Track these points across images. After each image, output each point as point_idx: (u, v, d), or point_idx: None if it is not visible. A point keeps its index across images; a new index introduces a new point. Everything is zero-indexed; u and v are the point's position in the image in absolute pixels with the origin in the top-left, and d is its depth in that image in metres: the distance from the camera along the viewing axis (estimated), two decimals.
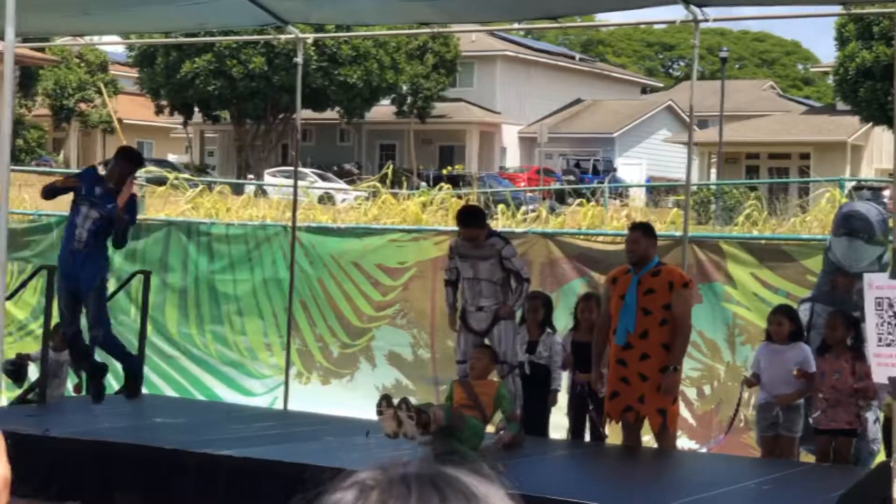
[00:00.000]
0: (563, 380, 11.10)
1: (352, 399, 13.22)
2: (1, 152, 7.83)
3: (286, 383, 12.75)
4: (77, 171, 14.62)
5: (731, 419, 10.72)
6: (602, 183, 30.88)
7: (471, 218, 10.62)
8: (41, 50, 41.27)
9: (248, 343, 14.12)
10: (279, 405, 13.16)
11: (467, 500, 1.30)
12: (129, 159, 11.61)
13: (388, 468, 1.35)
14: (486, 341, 10.43)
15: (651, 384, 9.77)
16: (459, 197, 20.57)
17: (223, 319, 14.27)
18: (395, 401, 9.04)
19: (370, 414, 12.11)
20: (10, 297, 11.44)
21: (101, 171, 12.25)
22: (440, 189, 21.33)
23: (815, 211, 21.33)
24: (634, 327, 9.79)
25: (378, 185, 22.37)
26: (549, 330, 11.03)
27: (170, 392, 13.85)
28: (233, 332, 14.20)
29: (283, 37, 13.67)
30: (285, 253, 13.63)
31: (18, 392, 12.23)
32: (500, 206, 19.61)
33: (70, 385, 12.86)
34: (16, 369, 12.19)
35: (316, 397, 13.14)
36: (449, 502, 1.29)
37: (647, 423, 10.02)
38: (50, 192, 11.48)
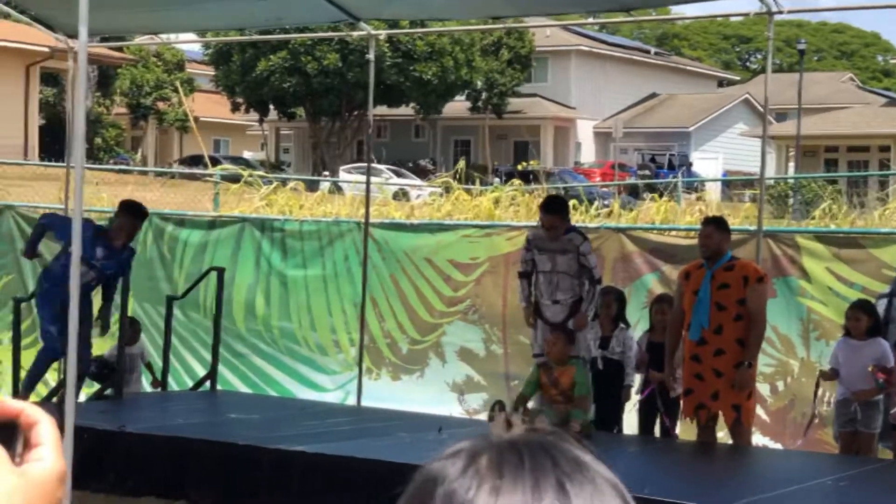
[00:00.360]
0: (636, 378, 11.07)
1: (423, 395, 13.22)
2: (76, 150, 7.88)
3: (360, 379, 12.77)
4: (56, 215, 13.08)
5: (810, 417, 10.61)
6: (677, 178, 30.64)
7: (555, 205, 10.64)
8: (119, 49, 41.68)
9: (318, 339, 14.15)
10: (350, 401, 13.19)
11: (578, 465, 1.27)
12: (135, 214, 11.04)
13: (490, 437, 1.32)
14: None
15: (726, 380, 9.68)
16: (530, 193, 20.50)
17: (292, 316, 14.31)
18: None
19: (441, 409, 12.15)
20: None
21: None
22: (510, 185, 21.29)
23: (895, 203, 21.04)
24: (709, 323, 9.71)
25: (451, 181, 22.36)
26: (622, 325, 10.99)
27: (243, 389, 13.91)
28: (301, 329, 14.24)
29: (355, 33, 13.69)
30: (358, 249, 13.65)
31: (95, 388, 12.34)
32: (573, 202, 19.54)
33: (145, 382, 12.98)
34: (98, 372, 12.27)
35: (386, 393, 13.14)
36: (561, 467, 1.26)
37: (721, 419, 9.94)
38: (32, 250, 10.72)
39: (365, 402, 12.69)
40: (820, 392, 10.51)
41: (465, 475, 1.26)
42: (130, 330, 12.48)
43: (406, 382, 13.66)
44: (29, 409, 1.35)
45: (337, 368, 14.03)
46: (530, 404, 10.23)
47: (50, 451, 1.34)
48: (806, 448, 10.79)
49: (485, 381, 13.32)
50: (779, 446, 11.37)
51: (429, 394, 13.26)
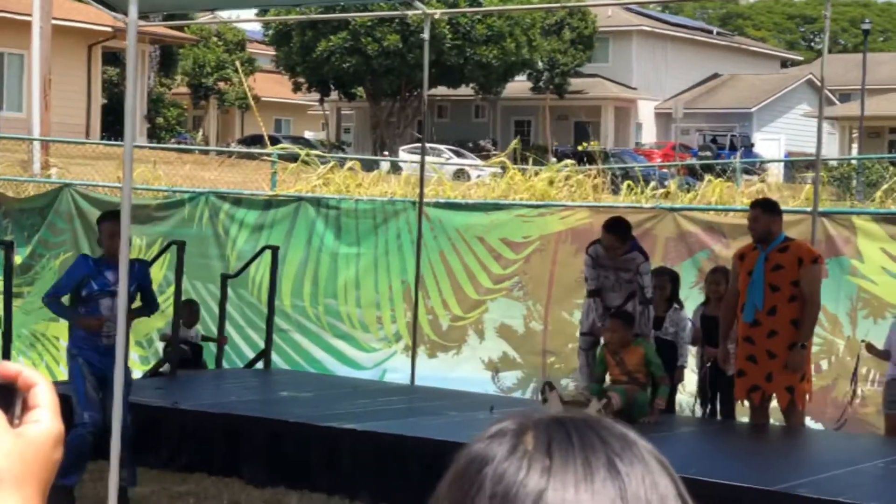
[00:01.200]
0: (691, 357, 11.08)
1: (458, 372, 13.21)
2: (126, 127, 7.91)
3: (413, 357, 12.77)
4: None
5: (850, 396, 10.57)
6: (735, 159, 30.43)
7: (616, 227, 10.63)
8: (180, 29, 41.87)
9: (361, 316, 14.15)
10: (388, 379, 13.22)
11: (626, 442, 1.25)
12: (114, 219, 9.13)
13: (529, 414, 1.28)
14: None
15: (779, 361, 9.64)
16: (585, 174, 20.45)
17: (339, 293, 14.31)
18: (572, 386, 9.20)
19: (474, 388, 12.14)
20: None
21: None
22: (564, 165, 21.22)
23: None
24: (763, 304, 9.66)
25: (506, 161, 22.33)
26: (675, 306, 10.98)
27: (281, 365, 13.89)
28: (346, 305, 14.23)
29: (410, 13, 13.69)
30: (411, 228, 13.65)
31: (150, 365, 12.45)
32: (627, 183, 19.45)
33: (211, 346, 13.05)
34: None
35: (421, 370, 13.01)
36: (610, 444, 1.24)
37: (775, 400, 9.89)
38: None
39: (396, 379, 12.74)
40: (864, 371, 10.44)
41: (514, 456, 1.23)
42: (188, 311, 12.57)
43: (442, 360, 13.63)
44: (26, 372, 1.36)
45: (377, 346, 14.03)
46: (571, 384, 10.31)
47: (47, 413, 1.35)
48: (851, 429, 10.73)
49: (521, 359, 13.29)
50: (819, 426, 11.27)
51: (464, 371, 13.24)
